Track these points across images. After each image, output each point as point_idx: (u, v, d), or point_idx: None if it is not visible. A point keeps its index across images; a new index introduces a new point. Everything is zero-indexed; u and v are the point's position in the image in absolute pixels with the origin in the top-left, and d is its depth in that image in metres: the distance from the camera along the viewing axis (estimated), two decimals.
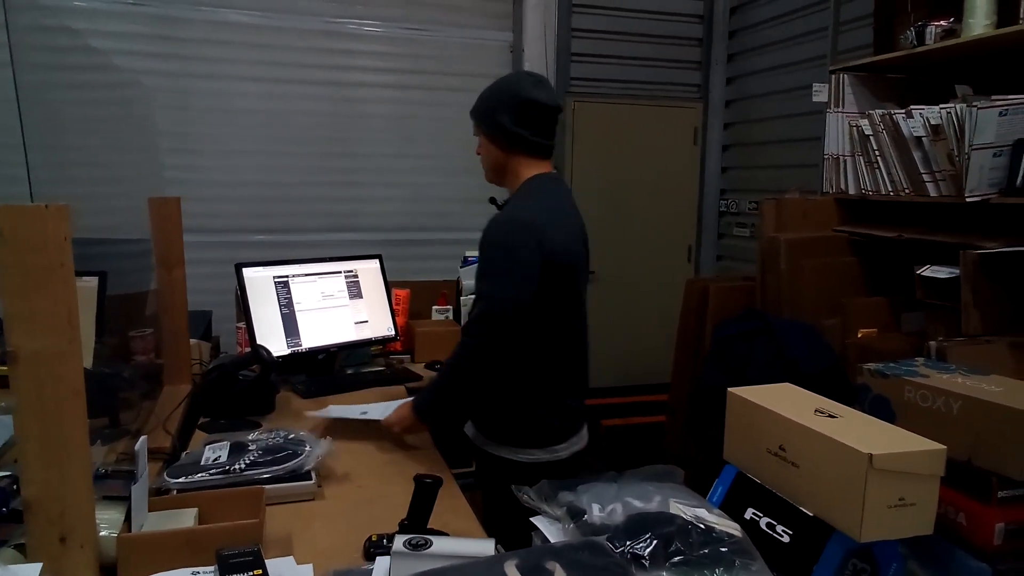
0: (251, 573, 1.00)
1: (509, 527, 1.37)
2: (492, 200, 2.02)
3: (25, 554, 1.05)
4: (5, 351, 0.99)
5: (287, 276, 2.24)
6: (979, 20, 2.23)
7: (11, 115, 1.26)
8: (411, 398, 1.79)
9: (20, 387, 1.01)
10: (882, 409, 1.44)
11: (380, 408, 1.86)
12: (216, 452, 1.49)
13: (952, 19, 2.38)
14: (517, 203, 1.66)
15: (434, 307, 2.84)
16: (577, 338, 1.75)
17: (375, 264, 2.48)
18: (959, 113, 2.19)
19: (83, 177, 1.68)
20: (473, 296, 1.68)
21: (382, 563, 1.16)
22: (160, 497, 1.32)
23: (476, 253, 2.99)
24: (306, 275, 2.28)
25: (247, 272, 2.16)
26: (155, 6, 3.36)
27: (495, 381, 1.67)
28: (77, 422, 1.03)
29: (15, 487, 1.13)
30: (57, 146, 1.44)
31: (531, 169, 1.70)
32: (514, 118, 1.64)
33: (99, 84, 1.90)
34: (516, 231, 1.57)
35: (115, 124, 1.97)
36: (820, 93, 2.83)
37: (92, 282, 1.62)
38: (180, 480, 1.38)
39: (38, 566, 0.98)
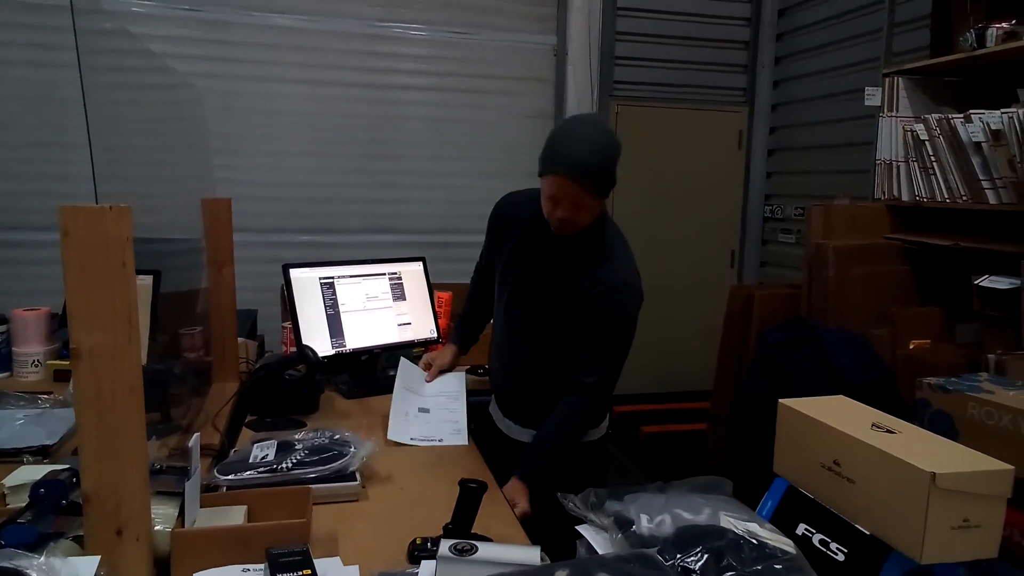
0: (300, 573, 1.01)
1: (551, 533, 1.36)
2: None
3: (83, 546, 1.07)
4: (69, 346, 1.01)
5: (333, 277, 2.26)
6: None
7: (76, 115, 1.30)
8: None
9: (81, 382, 1.03)
10: (943, 425, 1.39)
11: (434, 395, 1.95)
12: (264, 451, 1.51)
13: (1014, 21, 2.30)
14: (626, 265, 1.69)
15: None
16: None
17: (419, 267, 2.49)
18: (1021, 118, 2.11)
19: (139, 176, 1.72)
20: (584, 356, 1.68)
21: (427, 567, 1.16)
22: (211, 494, 1.34)
23: None
24: (351, 276, 2.31)
25: (294, 273, 2.19)
26: (207, 11, 3.44)
27: (539, 370, 1.76)
28: (134, 417, 1.05)
29: (75, 480, 1.15)
30: (117, 146, 1.47)
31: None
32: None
33: (155, 86, 1.95)
34: (633, 299, 1.67)
35: (170, 125, 2.01)
36: (873, 97, 2.77)
37: (147, 280, 1.65)
38: (229, 477, 1.40)
39: (96, 559, 1.01)
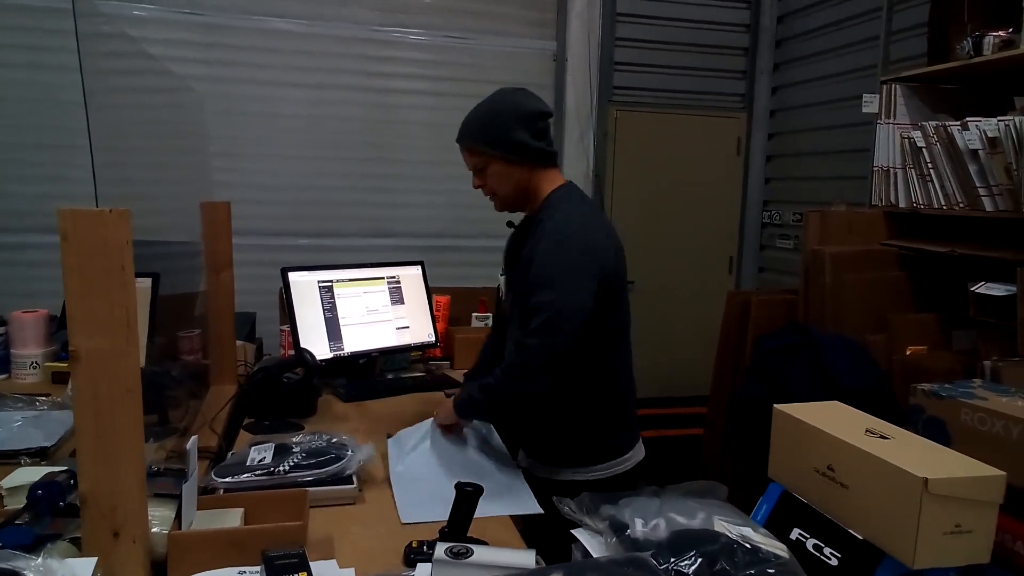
0: (297, 575, 1.01)
1: (547, 537, 1.37)
2: (510, 224, 1.95)
3: (80, 547, 1.08)
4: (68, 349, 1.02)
5: (331, 281, 2.27)
6: None
7: (76, 118, 1.31)
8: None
9: (79, 385, 1.03)
10: (936, 431, 1.40)
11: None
12: (261, 453, 1.51)
13: (1011, 29, 2.31)
14: (562, 217, 1.58)
15: (474, 314, 2.85)
16: (629, 349, 1.74)
17: (417, 271, 2.50)
18: (1018, 126, 2.12)
19: (139, 179, 1.73)
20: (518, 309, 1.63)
21: (423, 570, 1.17)
22: (208, 496, 1.34)
23: None
24: (350, 280, 2.31)
25: (293, 276, 2.20)
26: (207, 14, 3.45)
27: (560, 402, 1.62)
28: (132, 420, 1.05)
29: (72, 482, 1.16)
30: (116, 149, 1.48)
31: (552, 182, 1.66)
32: (532, 133, 1.59)
33: (154, 89, 1.95)
34: (572, 244, 1.54)
35: (169, 128, 2.02)
36: (870, 104, 2.78)
37: (146, 283, 1.66)
38: (227, 480, 1.40)
39: (93, 560, 1.01)
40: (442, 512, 1.36)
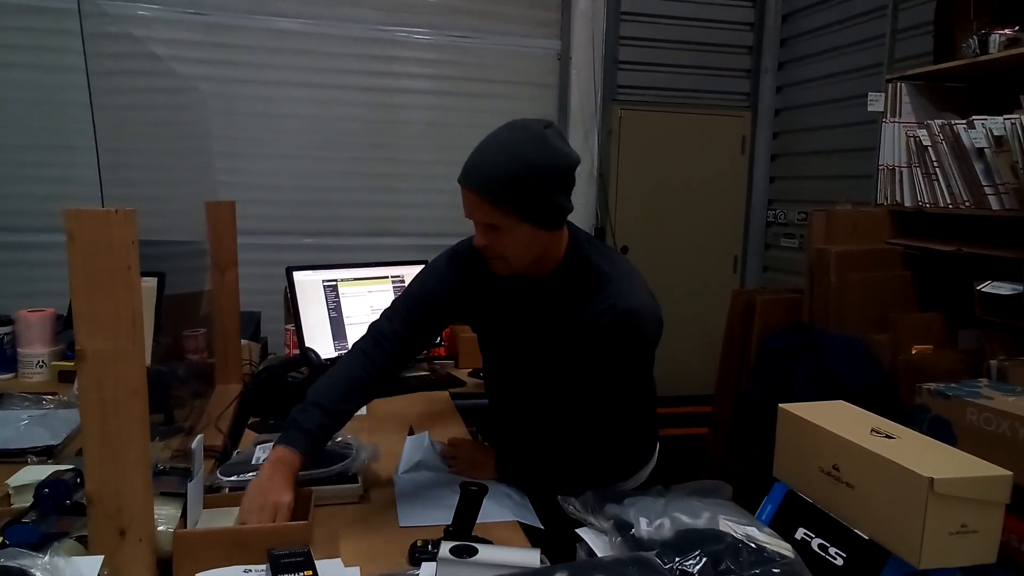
0: (302, 574, 1.02)
1: (551, 536, 1.37)
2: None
3: (86, 546, 1.08)
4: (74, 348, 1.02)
5: (336, 280, 2.27)
6: None
7: (81, 118, 1.31)
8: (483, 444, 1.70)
9: (85, 384, 1.04)
10: (942, 431, 1.39)
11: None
12: (266, 452, 1.52)
13: (1017, 27, 2.30)
14: (626, 288, 1.38)
15: None
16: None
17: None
18: None
19: (144, 179, 1.74)
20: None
21: (428, 569, 1.17)
22: (213, 495, 1.34)
23: None
24: (355, 279, 2.32)
25: (297, 275, 2.20)
26: (211, 14, 3.46)
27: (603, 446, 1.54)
28: (138, 420, 1.06)
29: (78, 480, 1.16)
30: (122, 149, 1.49)
31: (564, 236, 1.42)
32: (566, 191, 1.33)
33: (159, 89, 1.96)
34: (647, 323, 1.39)
35: (174, 128, 2.03)
36: (876, 102, 2.77)
37: (151, 282, 1.66)
38: (232, 478, 1.41)
39: (99, 559, 1.01)
40: (441, 517, 1.36)
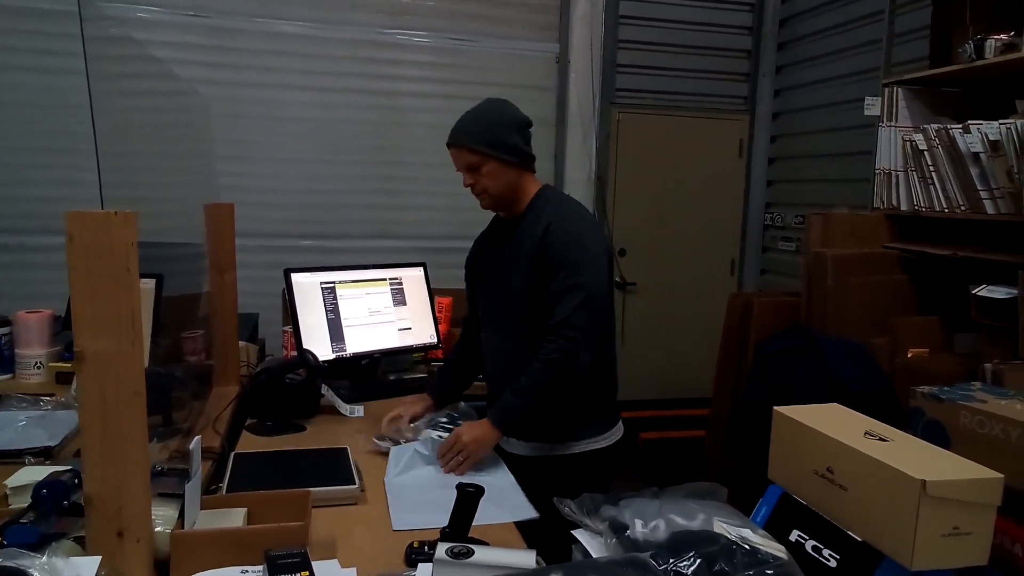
0: (299, 574, 1.02)
1: (547, 538, 1.37)
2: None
3: (84, 547, 1.09)
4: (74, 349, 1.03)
5: (334, 282, 2.28)
6: None
7: (82, 121, 1.32)
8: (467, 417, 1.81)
9: (84, 386, 1.05)
10: (936, 434, 1.40)
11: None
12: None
13: (1013, 33, 2.32)
14: (568, 209, 1.77)
15: None
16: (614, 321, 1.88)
17: (419, 272, 2.51)
18: (1019, 129, 2.13)
19: (143, 182, 1.75)
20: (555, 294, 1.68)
21: (424, 570, 1.18)
22: (210, 496, 1.35)
23: None
24: (353, 281, 2.32)
25: (295, 277, 2.21)
26: (212, 17, 3.47)
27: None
28: (137, 421, 1.07)
29: (76, 481, 1.17)
30: (122, 152, 1.50)
31: (535, 184, 1.82)
32: (524, 139, 1.77)
33: (159, 92, 1.97)
34: (587, 229, 1.71)
35: (174, 131, 2.04)
36: (873, 107, 2.78)
37: (150, 284, 1.67)
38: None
39: (97, 559, 1.02)
40: (435, 520, 1.37)
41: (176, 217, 2.04)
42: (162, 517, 1.17)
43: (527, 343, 1.71)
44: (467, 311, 2.04)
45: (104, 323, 1.03)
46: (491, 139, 1.72)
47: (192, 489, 1.20)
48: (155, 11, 3.40)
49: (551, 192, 1.83)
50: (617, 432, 1.85)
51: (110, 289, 1.03)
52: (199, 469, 1.24)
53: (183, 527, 1.18)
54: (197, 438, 1.24)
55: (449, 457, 1.66)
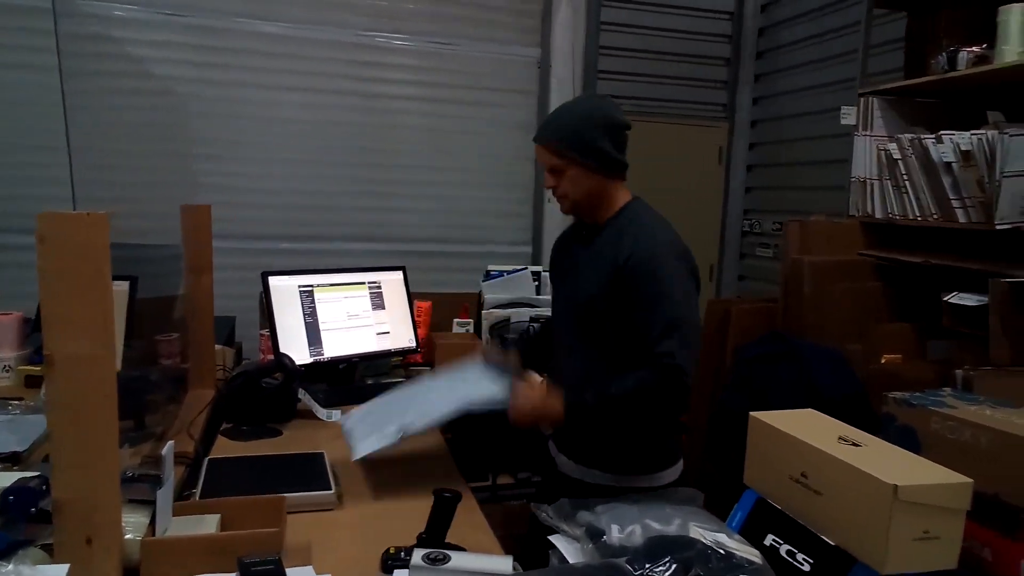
0: None
1: (528, 544, 1.37)
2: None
3: (52, 554, 1.07)
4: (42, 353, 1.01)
5: (312, 286, 2.26)
6: (1012, 47, 2.21)
7: (56, 119, 1.30)
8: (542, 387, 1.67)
9: (54, 389, 1.03)
10: (908, 439, 1.42)
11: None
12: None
13: (985, 45, 2.36)
14: (665, 234, 1.64)
15: (455, 320, 2.85)
16: None
17: (398, 276, 2.50)
18: (990, 140, 2.17)
19: (119, 181, 1.73)
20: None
21: None
22: (183, 502, 1.33)
23: (500, 268, 3.02)
24: (331, 285, 2.31)
25: (273, 281, 2.19)
26: (192, 16, 3.43)
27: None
28: (108, 426, 1.05)
29: (45, 487, 1.15)
30: (97, 150, 1.48)
31: (624, 194, 1.71)
32: (614, 143, 1.63)
33: (136, 91, 1.95)
34: (685, 260, 1.60)
35: (151, 131, 2.02)
36: (848, 116, 2.82)
37: (123, 286, 1.65)
38: None
39: (65, 567, 1.00)
40: (391, 434, 1.49)
41: (152, 218, 2.02)
42: (133, 524, 1.15)
43: (590, 352, 1.61)
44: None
45: (75, 326, 1.01)
46: (578, 141, 1.59)
47: (164, 495, 1.18)
48: (133, 9, 3.35)
49: (641, 206, 1.70)
50: (675, 472, 1.72)
51: (81, 291, 1.01)
52: (171, 475, 1.22)
53: (154, 534, 1.16)
54: (170, 443, 1.22)
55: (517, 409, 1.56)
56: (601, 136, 1.60)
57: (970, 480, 1.09)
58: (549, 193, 1.71)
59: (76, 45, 1.31)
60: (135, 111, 1.81)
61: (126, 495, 1.16)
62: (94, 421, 1.03)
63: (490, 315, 2.74)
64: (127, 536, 1.13)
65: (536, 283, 2.96)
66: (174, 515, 1.24)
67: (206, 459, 1.62)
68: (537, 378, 1.75)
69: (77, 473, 1.04)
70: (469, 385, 1.66)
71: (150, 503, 1.19)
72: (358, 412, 1.73)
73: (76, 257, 1.01)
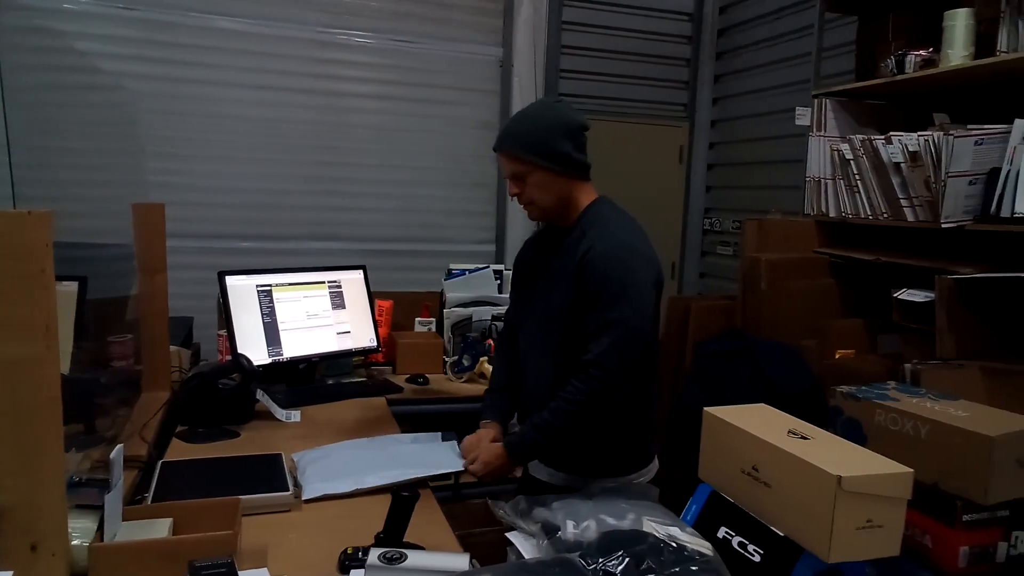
0: None
1: (486, 540, 1.38)
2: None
3: None
4: None
5: (270, 285, 2.23)
6: (957, 51, 2.28)
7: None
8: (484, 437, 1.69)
9: None
10: (853, 431, 1.46)
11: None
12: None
13: (931, 49, 2.43)
14: (619, 232, 1.62)
15: (417, 319, 2.85)
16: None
17: (359, 275, 2.49)
18: (936, 141, 2.24)
19: (66, 180, 1.68)
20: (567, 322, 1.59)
21: None
22: (135, 506, 1.31)
23: (462, 266, 3.01)
24: (290, 284, 2.28)
25: (230, 280, 2.16)
26: (145, 10, 3.35)
27: (610, 413, 1.58)
28: (52, 429, 1.02)
29: None
30: (40, 148, 1.44)
31: (589, 195, 1.70)
32: (575, 144, 1.62)
33: (84, 87, 1.89)
34: (636, 258, 1.58)
35: (100, 128, 1.97)
36: (803, 117, 2.88)
37: (72, 287, 1.61)
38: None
39: (8, 574, 0.97)
40: (345, 485, 1.52)
41: (103, 217, 1.97)
42: (80, 529, 1.13)
43: (562, 366, 1.58)
44: (506, 322, 1.91)
45: (16, 327, 0.99)
46: (538, 146, 1.58)
47: (112, 499, 1.15)
48: (83, 3, 3.27)
49: (603, 207, 1.69)
50: (648, 473, 1.71)
51: (23, 292, 0.99)
52: (120, 479, 1.19)
53: (103, 539, 1.14)
54: (119, 447, 1.20)
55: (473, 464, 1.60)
56: (561, 139, 1.59)
57: (911, 470, 1.13)
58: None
59: (16, 38, 1.27)
60: (83, 108, 1.75)
61: (73, 500, 1.14)
62: (37, 425, 1.01)
63: (452, 314, 2.74)
64: (74, 542, 1.10)
65: (498, 281, 2.96)
66: (125, 520, 1.22)
67: (160, 462, 1.59)
68: (485, 432, 1.72)
69: (20, 478, 1.01)
70: (424, 453, 1.69)
71: (99, 508, 1.17)
72: (312, 454, 1.71)
73: (17, 257, 0.98)
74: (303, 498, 1.51)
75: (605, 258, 1.54)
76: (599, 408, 1.53)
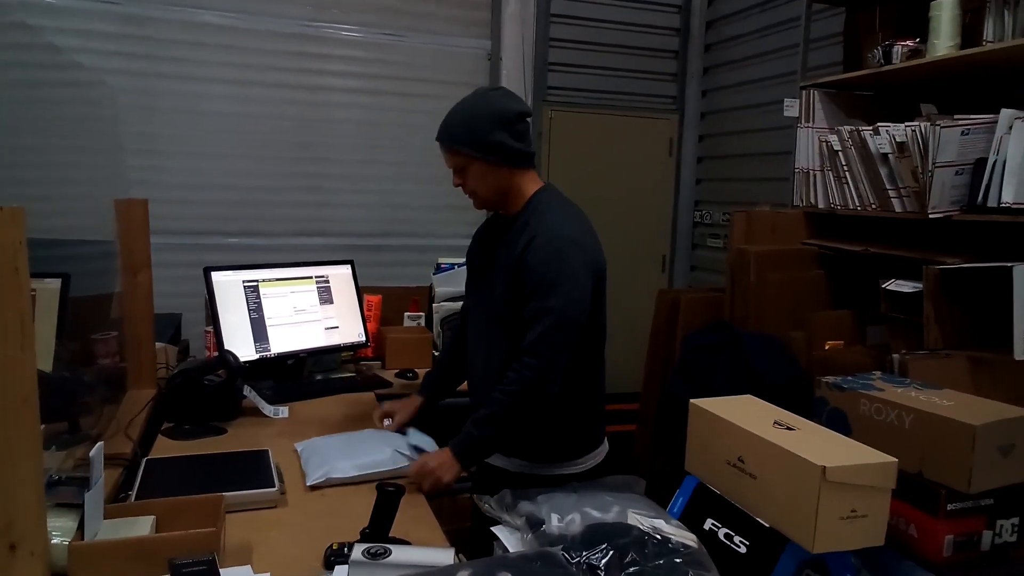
0: None
1: (475, 536, 1.37)
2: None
3: None
4: None
5: (257, 280, 2.22)
6: (943, 42, 2.28)
7: None
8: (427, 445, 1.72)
9: None
10: (838, 422, 1.47)
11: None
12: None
13: (918, 40, 2.43)
14: (555, 222, 1.61)
15: (406, 314, 2.84)
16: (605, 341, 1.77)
17: (347, 270, 2.47)
18: (923, 131, 2.24)
19: (46, 178, 1.65)
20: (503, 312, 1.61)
21: (340, 572, 1.16)
22: (116, 504, 1.30)
23: (451, 261, 3.01)
24: (277, 279, 2.27)
25: (216, 276, 2.14)
26: (124, 4, 3.32)
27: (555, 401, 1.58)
28: (28, 429, 1.01)
29: None
30: (14, 146, 1.41)
31: (533, 183, 1.68)
32: (511, 134, 1.59)
33: (61, 83, 1.87)
34: (571, 249, 1.57)
35: (79, 124, 1.94)
36: (791, 108, 2.88)
37: (54, 284, 1.59)
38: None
39: None
40: (347, 468, 1.58)
41: (84, 215, 1.95)
42: (60, 528, 1.11)
43: (509, 355, 1.58)
44: (464, 303, 1.94)
45: None
46: (471, 137, 1.57)
47: (93, 498, 1.14)
48: None
49: (547, 195, 1.67)
50: (597, 456, 1.73)
51: None
52: (101, 477, 1.18)
53: (84, 538, 1.12)
54: (99, 444, 1.19)
55: (419, 482, 1.57)
56: (496, 129, 1.57)
57: (895, 460, 1.13)
58: None
59: None
60: (59, 104, 1.73)
61: (53, 499, 1.13)
62: (14, 425, 1.00)
63: (441, 308, 2.73)
64: (54, 541, 1.09)
65: None
66: (107, 518, 1.21)
67: (144, 460, 1.58)
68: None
69: None
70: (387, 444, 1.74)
71: (80, 507, 1.16)
72: (312, 442, 1.77)
73: None
74: (307, 483, 1.57)
75: (541, 249, 1.55)
76: (536, 396, 1.53)
